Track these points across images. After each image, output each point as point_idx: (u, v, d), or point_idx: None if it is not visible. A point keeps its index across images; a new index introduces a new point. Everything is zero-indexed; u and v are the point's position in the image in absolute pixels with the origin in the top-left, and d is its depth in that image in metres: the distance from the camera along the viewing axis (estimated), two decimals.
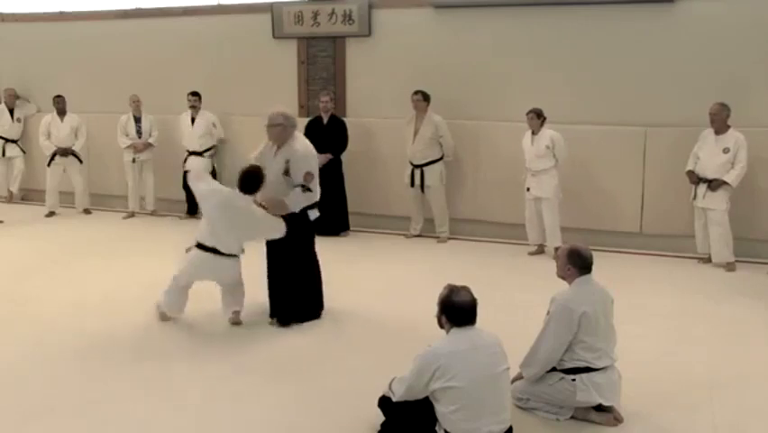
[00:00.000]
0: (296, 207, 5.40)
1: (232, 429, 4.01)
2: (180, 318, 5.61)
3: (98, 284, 6.57)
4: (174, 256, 5.74)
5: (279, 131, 5.41)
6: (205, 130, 9.25)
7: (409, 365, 3.60)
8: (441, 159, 8.16)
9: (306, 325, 5.56)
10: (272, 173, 5.38)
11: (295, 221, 5.43)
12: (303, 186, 5.36)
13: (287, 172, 5.34)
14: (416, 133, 8.07)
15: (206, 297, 5.73)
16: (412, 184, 8.20)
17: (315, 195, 5.53)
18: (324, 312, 5.76)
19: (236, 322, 5.53)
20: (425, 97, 8.05)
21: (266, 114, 5.52)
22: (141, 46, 9.85)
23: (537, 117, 7.34)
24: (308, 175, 5.37)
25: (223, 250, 5.29)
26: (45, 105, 10.17)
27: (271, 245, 5.56)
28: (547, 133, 7.35)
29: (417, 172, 8.14)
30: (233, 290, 5.56)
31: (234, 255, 5.39)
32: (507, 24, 8.11)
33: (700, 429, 3.98)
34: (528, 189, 7.54)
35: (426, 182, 8.13)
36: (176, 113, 9.33)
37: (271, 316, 5.63)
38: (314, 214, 5.57)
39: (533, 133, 7.43)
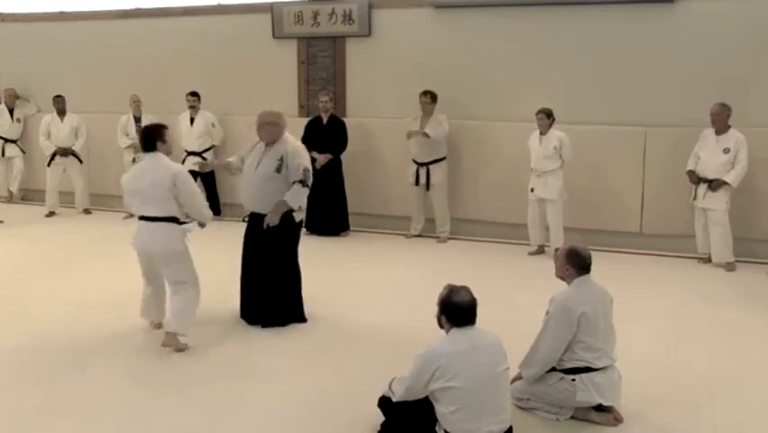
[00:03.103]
0: (296, 204, 5.38)
1: (231, 430, 4.01)
2: None
3: (98, 284, 6.58)
4: None
5: (272, 129, 5.43)
6: (204, 130, 9.25)
7: (409, 366, 3.60)
8: (445, 158, 8.15)
9: (306, 325, 5.56)
10: (263, 172, 5.38)
11: (281, 222, 5.41)
12: (301, 181, 5.34)
13: (278, 170, 5.34)
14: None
15: (205, 298, 5.74)
16: (417, 183, 8.20)
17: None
18: (323, 312, 5.75)
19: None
20: (434, 99, 8.02)
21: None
22: (141, 46, 9.86)
23: (547, 117, 7.32)
24: (306, 171, 5.37)
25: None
26: (45, 106, 10.17)
27: (253, 245, 5.53)
28: (555, 133, 7.34)
29: (423, 171, 8.14)
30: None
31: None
32: (508, 24, 8.11)
33: (700, 429, 3.98)
34: (532, 190, 7.53)
35: (432, 180, 8.12)
36: (176, 113, 9.33)
37: (242, 316, 5.63)
38: (299, 215, 5.55)
39: (541, 133, 7.41)
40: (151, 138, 5.08)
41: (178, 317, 5.05)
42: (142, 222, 5.07)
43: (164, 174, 4.94)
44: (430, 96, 8.02)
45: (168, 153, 5.14)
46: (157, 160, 5.02)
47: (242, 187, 5.62)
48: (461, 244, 8.18)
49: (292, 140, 5.55)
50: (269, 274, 5.48)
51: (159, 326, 5.28)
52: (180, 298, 5.09)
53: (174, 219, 5.04)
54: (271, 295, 5.48)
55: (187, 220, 5.16)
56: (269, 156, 5.39)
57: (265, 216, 5.41)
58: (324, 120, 8.49)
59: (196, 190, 5.18)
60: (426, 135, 7.91)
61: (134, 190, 5.08)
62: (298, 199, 5.38)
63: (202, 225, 5.26)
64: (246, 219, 5.63)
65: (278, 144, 5.42)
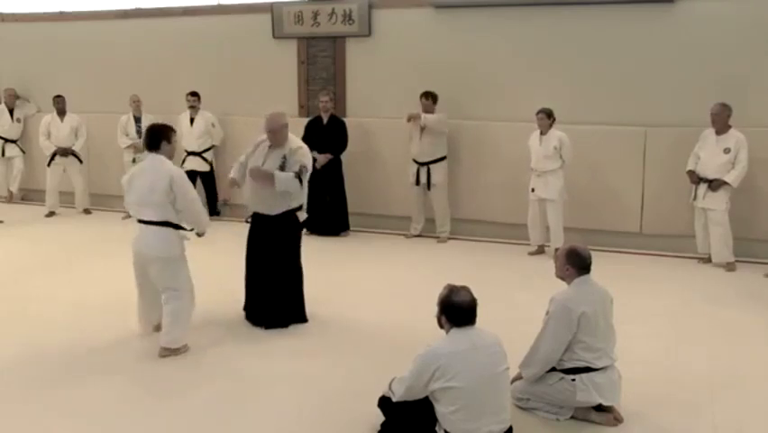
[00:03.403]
0: (282, 184, 5.26)
1: (232, 430, 4.01)
2: None
3: (98, 284, 6.57)
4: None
5: (283, 133, 5.42)
6: (204, 130, 9.25)
7: (409, 366, 3.60)
8: (446, 157, 8.15)
9: (306, 326, 5.57)
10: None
11: (284, 222, 5.41)
12: (295, 173, 5.31)
13: (282, 168, 5.33)
14: (422, 130, 8.03)
15: (206, 298, 5.75)
16: (417, 182, 8.20)
17: (303, 195, 5.51)
18: (323, 312, 5.75)
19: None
20: (435, 100, 8.03)
21: (266, 114, 5.48)
22: (141, 46, 9.86)
23: (547, 117, 7.32)
24: (303, 167, 5.37)
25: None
26: (45, 106, 10.17)
27: (257, 246, 5.52)
28: (556, 133, 7.33)
29: (423, 170, 8.13)
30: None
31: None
32: (507, 24, 8.11)
33: (700, 429, 3.98)
34: (533, 190, 7.53)
35: (433, 180, 8.12)
36: (176, 113, 9.32)
37: (247, 318, 5.62)
38: (302, 216, 5.55)
39: (541, 133, 7.41)
40: (157, 137, 4.98)
41: (171, 330, 4.96)
42: (141, 225, 4.99)
43: (162, 177, 4.83)
44: (431, 98, 8.02)
45: (170, 156, 5.05)
46: (157, 162, 4.93)
47: (245, 187, 5.60)
48: (461, 244, 8.18)
49: (296, 140, 5.55)
50: (274, 275, 5.48)
51: (158, 327, 5.23)
52: (172, 308, 4.97)
53: (172, 224, 4.94)
54: (275, 296, 5.48)
55: (186, 227, 5.07)
56: (273, 156, 5.39)
57: (268, 216, 5.40)
58: (325, 120, 8.49)
59: (194, 196, 5.03)
60: (418, 118, 7.90)
61: (133, 192, 4.99)
62: (286, 184, 5.27)
63: (200, 234, 5.12)
64: (249, 220, 5.62)
65: (283, 145, 5.41)
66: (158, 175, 4.86)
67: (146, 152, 5.09)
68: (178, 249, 4.98)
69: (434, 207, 8.29)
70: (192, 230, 5.10)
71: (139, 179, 4.96)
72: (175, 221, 4.96)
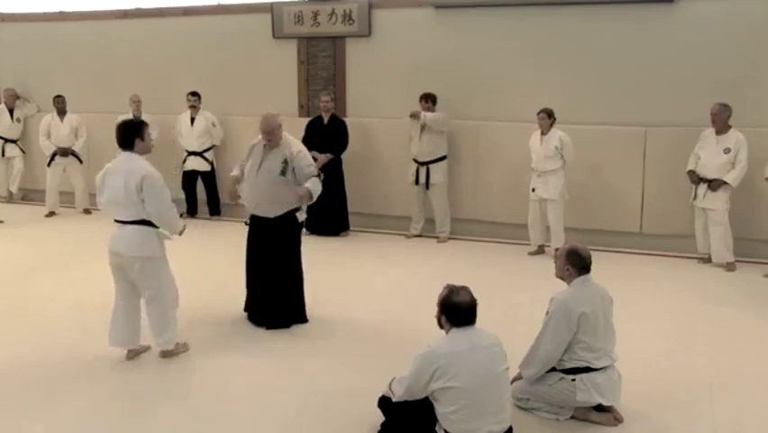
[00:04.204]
0: (317, 194, 5.33)
1: (231, 429, 4.01)
2: (180, 319, 5.59)
3: (98, 284, 6.55)
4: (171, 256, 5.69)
5: (279, 132, 5.40)
6: (205, 130, 9.25)
7: (409, 366, 3.60)
8: (446, 157, 8.15)
9: (306, 326, 5.57)
10: (266, 174, 5.34)
11: (283, 224, 5.42)
12: (316, 175, 5.35)
13: (283, 172, 5.31)
14: (422, 129, 8.02)
15: (206, 298, 5.75)
16: (417, 182, 8.20)
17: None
18: (323, 312, 5.75)
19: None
20: (434, 102, 8.03)
21: (261, 115, 5.46)
22: (141, 46, 9.86)
23: (548, 117, 7.31)
24: (318, 171, 5.39)
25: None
26: (45, 106, 10.17)
27: (257, 248, 5.52)
28: (556, 133, 7.33)
29: (423, 170, 8.14)
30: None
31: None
32: (508, 24, 8.11)
33: (700, 429, 3.98)
34: (533, 190, 7.53)
35: (432, 180, 8.12)
36: (176, 113, 9.34)
37: (249, 318, 5.62)
38: (301, 216, 5.55)
39: (542, 133, 7.41)
40: (130, 135, 4.72)
41: (162, 333, 4.87)
42: (117, 225, 4.80)
43: (133, 177, 4.61)
44: (431, 100, 8.02)
45: (144, 152, 4.80)
46: (131, 160, 4.71)
47: (245, 189, 5.57)
48: (461, 244, 8.18)
49: (294, 142, 5.52)
50: (274, 276, 5.47)
51: (134, 354, 4.95)
52: (157, 310, 4.84)
53: (149, 222, 4.75)
54: (277, 297, 5.48)
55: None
56: (272, 159, 5.36)
57: (268, 219, 5.39)
58: (325, 120, 8.49)
59: (165, 197, 4.76)
60: (417, 116, 7.89)
61: (105, 191, 4.81)
62: (317, 190, 5.33)
63: (179, 233, 4.92)
64: (248, 222, 5.61)
65: (282, 145, 5.39)
66: (131, 174, 4.65)
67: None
68: (158, 248, 4.80)
69: (434, 207, 8.29)
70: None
71: (111, 179, 4.76)
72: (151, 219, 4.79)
